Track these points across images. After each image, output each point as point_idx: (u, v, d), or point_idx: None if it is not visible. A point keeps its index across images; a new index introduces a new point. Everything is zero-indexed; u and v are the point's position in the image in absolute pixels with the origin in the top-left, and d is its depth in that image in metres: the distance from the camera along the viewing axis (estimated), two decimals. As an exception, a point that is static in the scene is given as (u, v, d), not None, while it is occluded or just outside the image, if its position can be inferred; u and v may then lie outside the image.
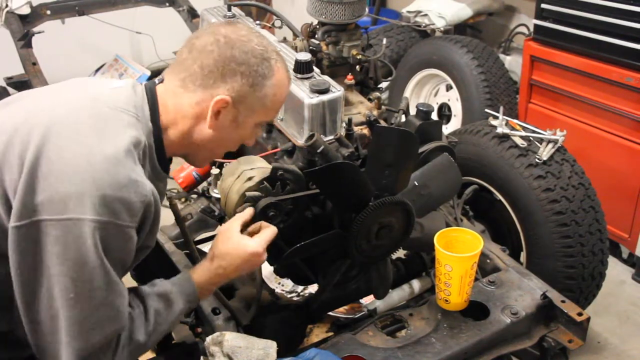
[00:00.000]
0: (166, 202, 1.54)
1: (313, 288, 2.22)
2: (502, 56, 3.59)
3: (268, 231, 1.42)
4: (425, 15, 3.69)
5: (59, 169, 1.12)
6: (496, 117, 2.27)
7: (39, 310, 1.15)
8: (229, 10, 2.30)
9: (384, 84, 3.17)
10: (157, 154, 1.33)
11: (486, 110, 2.62)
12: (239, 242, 1.38)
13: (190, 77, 1.31)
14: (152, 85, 1.35)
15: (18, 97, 1.34)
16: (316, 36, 2.23)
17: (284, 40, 2.24)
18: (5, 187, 1.14)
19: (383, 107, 2.08)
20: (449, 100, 3.62)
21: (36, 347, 1.19)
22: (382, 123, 2.00)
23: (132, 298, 1.29)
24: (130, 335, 1.24)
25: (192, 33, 1.70)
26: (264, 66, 1.33)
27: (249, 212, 1.46)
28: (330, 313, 2.04)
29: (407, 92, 3.69)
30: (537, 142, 2.18)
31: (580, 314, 1.66)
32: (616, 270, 2.93)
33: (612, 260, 2.55)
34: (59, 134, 1.16)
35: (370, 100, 2.10)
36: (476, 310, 1.67)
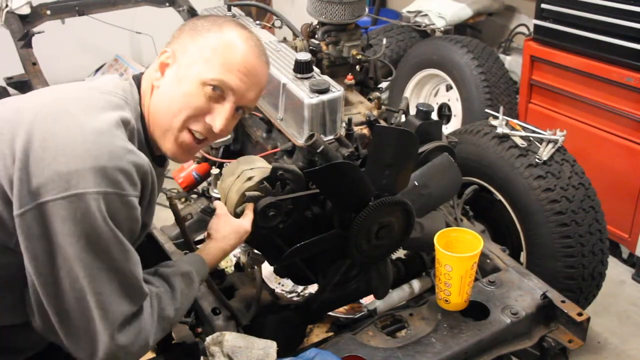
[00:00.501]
0: (166, 202, 1.54)
1: (313, 288, 2.22)
2: (502, 56, 3.59)
3: (250, 212, 1.53)
4: (425, 15, 3.69)
5: (53, 148, 1.11)
6: (496, 117, 2.27)
7: (64, 295, 1.13)
8: (229, 10, 2.30)
9: (384, 84, 3.17)
10: (144, 136, 1.36)
11: (486, 110, 2.62)
12: (238, 224, 1.51)
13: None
14: (139, 75, 1.40)
15: (8, 99, 1.34)
16: (316, 36, 2.23)
17: (284, 40, 2.23)
18: None
19: (383, 107, 2.08)
20: (449, 100, 3.62)
21: (67, 337, 1.17)
22: (382, 123, 2.00)
23: (155, 279, 1.32)
24: (160, 312, 1.27)
25: None
26: (211, 25, 1.36)
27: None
28: (330, 313, 2.04)
29: (407, 92, 3.69)
30: (537, 142, 2.18)
31: (580, 314, 1.66)
32: (616, 270, 2.93)
33: (612, 260, 2.55)
34: (48, 115, 1.16)
35: (370, 100, 2.10)
36: (476, 310, 1.67)
